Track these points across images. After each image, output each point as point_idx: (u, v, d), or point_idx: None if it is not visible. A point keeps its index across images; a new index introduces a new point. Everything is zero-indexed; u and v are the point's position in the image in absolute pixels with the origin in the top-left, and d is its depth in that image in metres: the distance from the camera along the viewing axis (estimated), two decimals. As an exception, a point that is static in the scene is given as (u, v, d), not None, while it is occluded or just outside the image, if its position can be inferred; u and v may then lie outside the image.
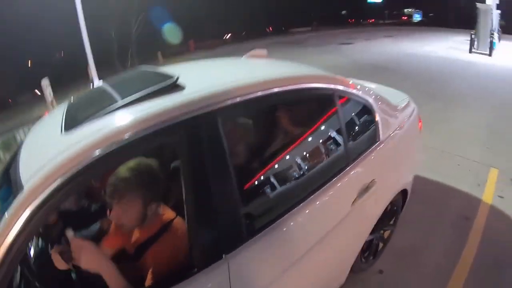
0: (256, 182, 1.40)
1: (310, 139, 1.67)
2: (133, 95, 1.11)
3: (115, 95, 1.20)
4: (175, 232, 1.16)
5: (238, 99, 1.19)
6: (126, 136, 0.97)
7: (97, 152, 0.92)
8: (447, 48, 12.80)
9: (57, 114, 1.34)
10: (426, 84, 7.13)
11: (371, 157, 1.77)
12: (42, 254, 1.26)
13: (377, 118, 1.86)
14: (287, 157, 1.54)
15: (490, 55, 11.00)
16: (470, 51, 11.66)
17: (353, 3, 35.77)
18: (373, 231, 1.98)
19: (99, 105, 1.15)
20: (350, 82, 1.79)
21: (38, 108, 9.56)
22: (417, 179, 3.12)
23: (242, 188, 1.25)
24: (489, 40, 11.21)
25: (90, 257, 1.01)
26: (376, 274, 2.19)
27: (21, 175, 0.95)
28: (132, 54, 20.87)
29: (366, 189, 1.67)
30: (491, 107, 5.66)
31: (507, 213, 2.78)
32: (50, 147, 1.00)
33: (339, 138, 1.65)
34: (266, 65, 1.79)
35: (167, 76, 1.23)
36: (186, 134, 1.07)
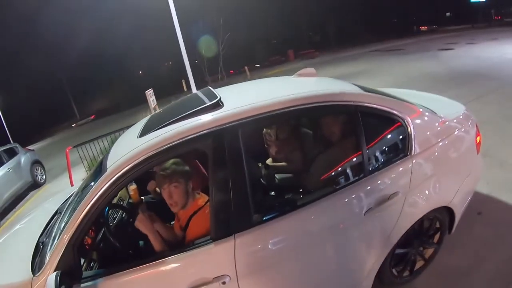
0: (266, 182, 1.71)
1: (328, 149, 1.87)
2: (186, 112, 1.59)
3: (176, 111, 1.71)
4: (204, 212, 1.63)
5: (258, 116, 1.55)
6: (173, 140, 1.46)
7: (152, 151, 1.44)
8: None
9: (140, 124, 1.93)
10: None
11: (398, 170, 1.81)
12: (121, 219, 1.93)
13: (410, 131, 1.85)
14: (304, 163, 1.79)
15: None
16: None
17: (455, 4, 32.64)
18: (406, 245, 2.00)
19: (163, 118, 1.66)
20: (378, 96, 1.87)
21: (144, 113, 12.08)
22: (488, 199, 2.88)
23: (255, 185, 1.60)
24: None
25: (142, 223, 1.64)
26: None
27: (107, 162, 1.53)
28: (222, 70, 24.81)
29: (385, 200, 1.75)
30: None
31: None
32: (128, 146, 1.55)
33: (359, 149, 1.77)
34: (303, 84, 2.00)
35: (214, 97, 1.67)
36: (214, 140, 1.48)
